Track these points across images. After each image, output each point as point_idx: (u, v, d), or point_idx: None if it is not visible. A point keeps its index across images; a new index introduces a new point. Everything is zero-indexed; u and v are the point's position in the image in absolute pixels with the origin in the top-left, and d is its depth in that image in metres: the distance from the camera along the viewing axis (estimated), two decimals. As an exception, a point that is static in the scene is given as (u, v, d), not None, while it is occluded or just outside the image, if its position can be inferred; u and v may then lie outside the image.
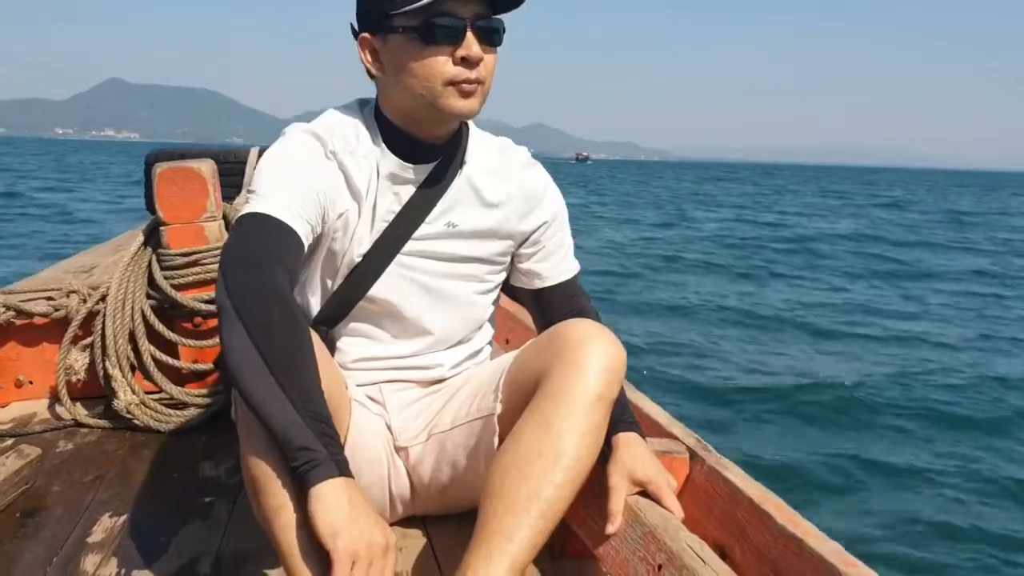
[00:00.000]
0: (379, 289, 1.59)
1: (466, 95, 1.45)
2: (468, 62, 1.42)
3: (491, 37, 1.44)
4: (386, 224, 1.56)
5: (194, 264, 2.37)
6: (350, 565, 1.13)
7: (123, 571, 1.62)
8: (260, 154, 3.29)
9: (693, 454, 1.61)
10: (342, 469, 1.18)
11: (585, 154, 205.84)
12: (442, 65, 1.42)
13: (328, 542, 1.13)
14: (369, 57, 1.50)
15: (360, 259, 1.56)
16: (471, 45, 1.41)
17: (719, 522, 1.50)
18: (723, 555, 1.45)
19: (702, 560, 1.24)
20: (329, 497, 1.15)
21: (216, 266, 2.31)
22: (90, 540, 1.75)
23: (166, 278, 2.37)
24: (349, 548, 1.13)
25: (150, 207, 3.64)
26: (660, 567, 1.29)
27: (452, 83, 1.43)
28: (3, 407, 2.54)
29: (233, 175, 3.19)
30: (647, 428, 1.66)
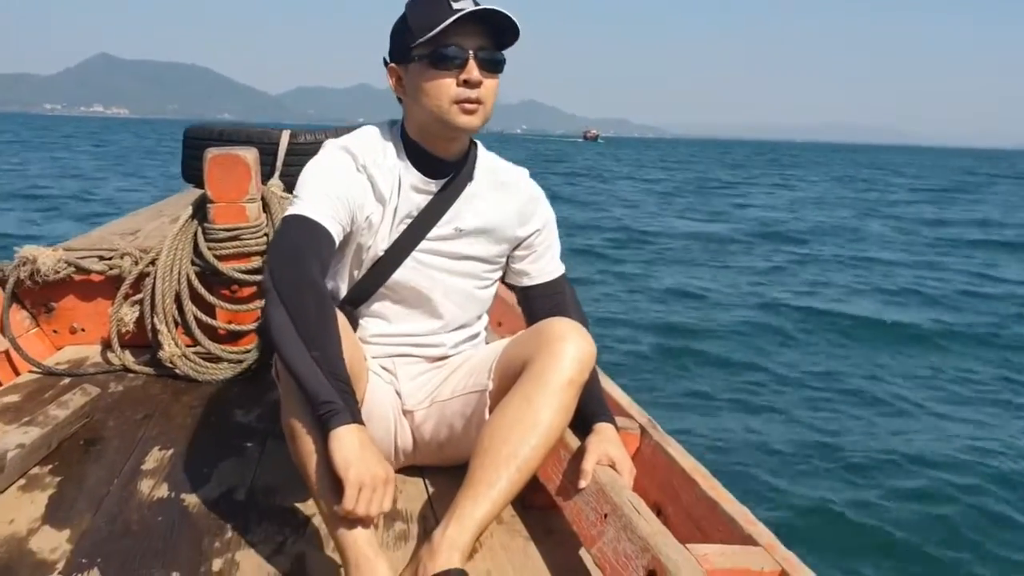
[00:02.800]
0: (396, 279, 1.93)
1: (468, 112, 1.78)
2: (469, 84, 1.75)
3: (491, 65, 1.78)
4: (405, 226, 1.90)
5: (235, 239, 2.73)
6: (358, 490, 1.45)
7: (173, 495, 1.96)
8: (291, 137, 3.63)
9: (643, 430, 1.98)
10: (356, 418, 1.51)
11: (595, 131, 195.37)
12: (448, 86, 1.76)
13: (341, 472, 1.45)
14: (395, 83, 1.86)
15: (382, 254, 1.91)
16: (472, 70, 1.75)
17: (658, 486, 1.87)
18: (659, 512, 1.82)
19: (638, 512, 1.59)
20: (344, 438, 1.47)
21: (254, 242, 2.69)
22: (144, 468, 2.10)
23: (210, 249, 2.72)
24: (358, 477, 1.45)
25: (186, 176, 3.99)
26: (606, 516, 1.64)
27: (456, 101, 1.77)
28: (58, 349, 2.91)
29: (266, 155, 3.49)
30: (609, 406, 2.02)
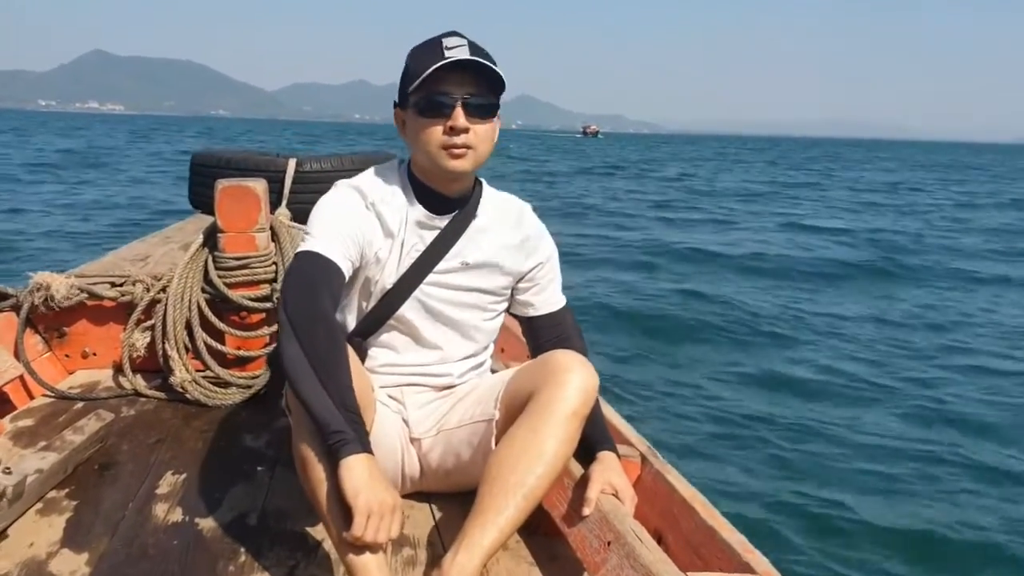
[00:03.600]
0: (404, 311, 2.00)
1: (456, 157, 1.85)
2: (455, 131, 1.82)
3: (481, 111, 1.84)
4: (412, 260, 1.97)
5: (244, 267, 2.80)
6: (367, 517, 1.51)
7: (187, 519, 2.02)
8: (297, 166, 3.71)
9: (644, 459, 2.05)
10: (365, 447, 1.57)
11: (594, 127, 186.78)
12: (436, 133, 1.83)
13: (351, 500, 1.52)
14: (400, 126, 1.94)
15: (390, 287, 1.98)
16: (458, 118, 1.81)
17: (659, 514, 1.93)
18: (660, 539, 1.88)
19: (640, 540, 1.64)
20: (354, 467, 1.53)
21: (262, 270, 2.76)
22: (158, 492, 2.15)
23: (220, 276, 2.79)
24: (367, 504, 1.51)
25: (194, 202, 4.06)
26: (609, 543, 1.70)
27: (444, 147, 1.85)
28: (70, 374, 2.97)
29: (272, 183, 3.57)
30: (611, 434, 2.08)
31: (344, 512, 1.55)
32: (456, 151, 1.84)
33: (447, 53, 1.78)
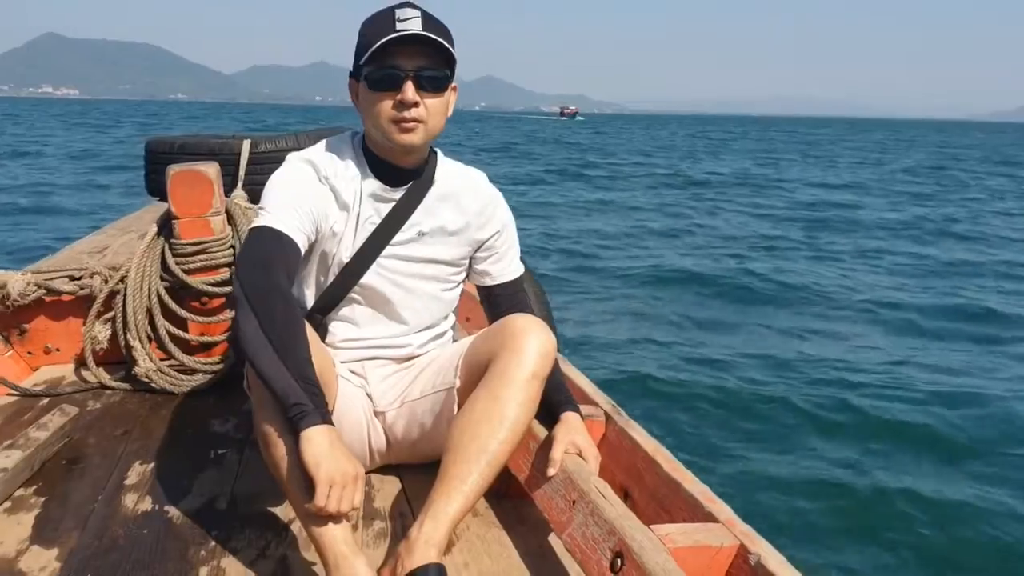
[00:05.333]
0: (363, 284, 1.99)
1: (405, 131, 1.84)
2: (404, 104, 1.81)
3: (432, 84, 1.82)
4: (368, 233, 1.96)
5: (202, 252, 2.77)
6: (328, 487, 1.52)
7: (157, 507, 2.02)
8: (252, 146, 3.67)
9: (608, 417, 2.06)
10: (325, 419, 1.57)
11: (572, 108, 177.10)
12: (387, 107, 1.82)
13: (312, 471, 1.52)
14: (353, 97, 1.92)
15: (348, 260, 1.97)
16: (407, 91, 1.79)
17: (625, 470, 1.95)
18: (627, 495, 1.91)
19: (603, 496, 1.66)
20: (314, 438, 1.54)
21: (220, 254, 2.74)
22: (127, 483, 2.15)
23: (177, 263, 2.76)
24: (328, 474, 1.52)
25: (150, 189, 4.01)
26: (574, 502, 1.72)
27: (394, 121, 1.83)
28: (35, 371, 2.94)
29: (228, 165, 3.53)
30: (575, 395, 2.09)
31: (307, 485, 1.55)
32: (406, 125, 1.83)
33: (399, 26, 1.76)
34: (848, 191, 23.87)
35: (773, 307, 9.16)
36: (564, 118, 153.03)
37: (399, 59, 1.78)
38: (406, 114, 1.81)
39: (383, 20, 1.79)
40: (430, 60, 1.81)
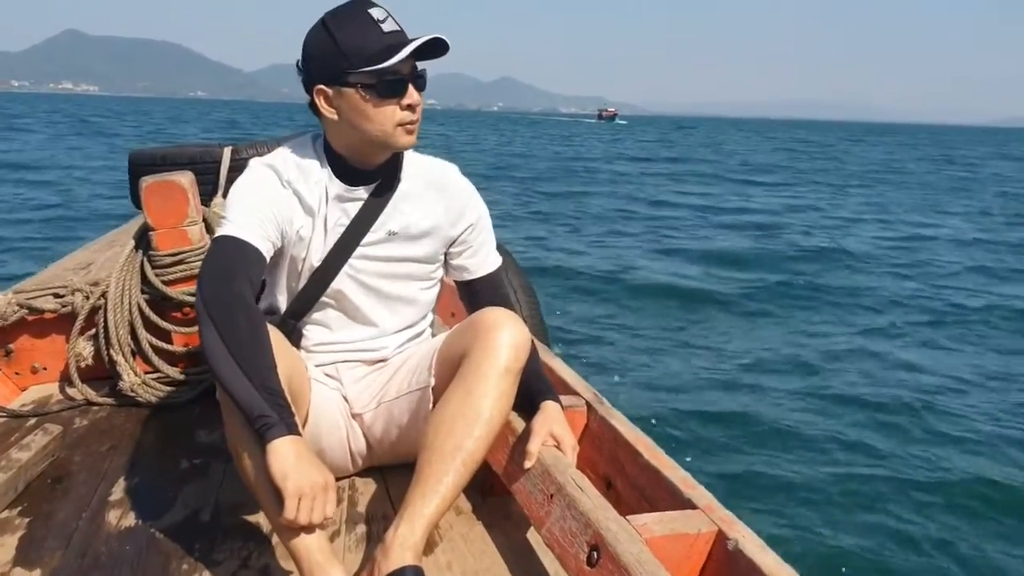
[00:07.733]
0: (335, 287, 1.97)
1: (410, 133, 1.84)
2: (412, 108, 1.80)
3: (422, 83, 1.82)
4: (337, 235, 1.93)
5: (180, 263, 2.76)
6: (297, 500, 1.49)
7: (140, 522, 2.00)
8: (233, 153, 3.64)
9: (590, 406, 2.03)
10: (291, 430, 1.54)
11: (612, 110, 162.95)
12: (393, 112, 1.79)
13: (279, 483, 1.49)
14: (324, 103, 1.83)
15: (318, 264, 1.94)
16: (413, 95, 1.79)
17: (606, 459, 1.92)
18: (610, 485, 1.88)
19: (580, 488, 1.64)
20: (280, 450, 1.51)
21: (199, 263, 2.71)
22: (111, 499, 2.13)
23: (157, 275, 2.74)
24: (296, 487, 1.49)
25: (135, 201, 3.99)
26: (552, 496, 1.69)
27: (400, 124, 1.81)
28: (23, 391, 2.93)
29: (209, 173, 3.50)
30: (556, 386, 2.06)
31: (278, 497, 1.53)
32: (410, 127, 1.82)
33: (384, 27, 1.74)
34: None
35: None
36: (603, 121, 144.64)
37: (401, 64, 1.76)
38: (413, 116, 1.81)
39: (363, 24, 1.74)
40: (417, 60, 1.81)
